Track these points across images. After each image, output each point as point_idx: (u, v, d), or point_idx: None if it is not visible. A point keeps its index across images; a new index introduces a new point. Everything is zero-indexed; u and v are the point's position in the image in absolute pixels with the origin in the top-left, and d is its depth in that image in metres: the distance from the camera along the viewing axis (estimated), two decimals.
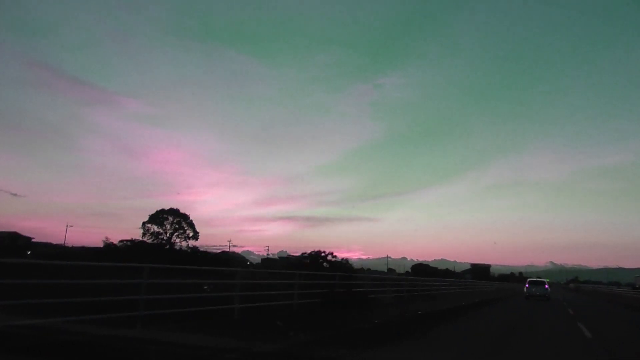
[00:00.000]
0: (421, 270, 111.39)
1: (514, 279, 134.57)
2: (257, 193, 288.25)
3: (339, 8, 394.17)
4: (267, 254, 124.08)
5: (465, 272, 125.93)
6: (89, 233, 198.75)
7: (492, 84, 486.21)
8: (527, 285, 35.68)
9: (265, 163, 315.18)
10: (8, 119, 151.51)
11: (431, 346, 9.31)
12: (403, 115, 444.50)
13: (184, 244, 64.95)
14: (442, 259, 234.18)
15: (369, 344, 8.47)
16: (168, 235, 64.25)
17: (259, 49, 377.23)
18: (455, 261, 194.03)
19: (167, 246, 63.47)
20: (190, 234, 65.43)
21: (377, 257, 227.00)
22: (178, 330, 7.05)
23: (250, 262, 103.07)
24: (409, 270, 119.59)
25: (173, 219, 64.35)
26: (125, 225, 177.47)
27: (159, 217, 63.98)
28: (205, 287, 13.34)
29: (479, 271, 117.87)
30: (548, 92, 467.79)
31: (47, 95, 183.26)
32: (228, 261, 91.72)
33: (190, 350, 4.05)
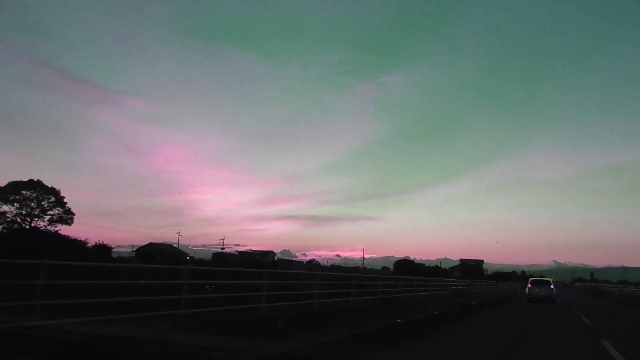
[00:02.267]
0: (406, 267, 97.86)
1: (515, 277, 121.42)
2: (260, 192, 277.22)
3: (342, 7, 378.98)
4: (222, 249, 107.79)
5: (453, 269, 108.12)
6: (91, 232, 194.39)
7: (495, 83, 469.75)
8: (529, 286, 32.92)
9: (268, 162, 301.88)
10: (11, 118, 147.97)
11: None
12: (406, 113, 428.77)
13: (52, 228, 46.65)
14: (444, 258, 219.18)
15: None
16: (22, 216, 45.88)
17: (262, 48, 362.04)
18: (459, 260, 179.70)
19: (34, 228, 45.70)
20: (61, 216, 47.07)
21: (381, 256, 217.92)
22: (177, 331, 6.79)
23: (191, 257, 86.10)
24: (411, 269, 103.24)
25: (32, 195, 45.99)
26: (129, 224, 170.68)
27: (12, 191, 45.60)
28: (207, 287, 12.53)
29: (469, 268, 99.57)
30: (552, 91, 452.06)
31: (50, 94, 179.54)
32: (152, 255, 74.79)
33: (205, 352, 3.99)
